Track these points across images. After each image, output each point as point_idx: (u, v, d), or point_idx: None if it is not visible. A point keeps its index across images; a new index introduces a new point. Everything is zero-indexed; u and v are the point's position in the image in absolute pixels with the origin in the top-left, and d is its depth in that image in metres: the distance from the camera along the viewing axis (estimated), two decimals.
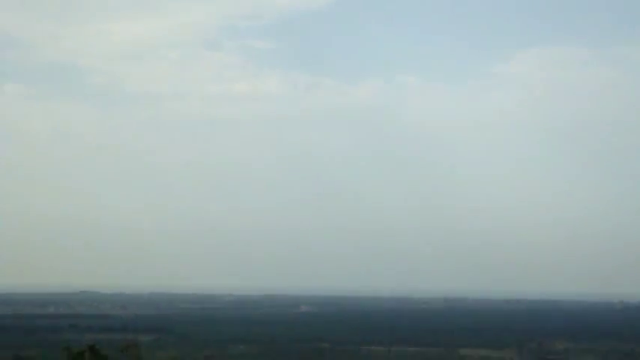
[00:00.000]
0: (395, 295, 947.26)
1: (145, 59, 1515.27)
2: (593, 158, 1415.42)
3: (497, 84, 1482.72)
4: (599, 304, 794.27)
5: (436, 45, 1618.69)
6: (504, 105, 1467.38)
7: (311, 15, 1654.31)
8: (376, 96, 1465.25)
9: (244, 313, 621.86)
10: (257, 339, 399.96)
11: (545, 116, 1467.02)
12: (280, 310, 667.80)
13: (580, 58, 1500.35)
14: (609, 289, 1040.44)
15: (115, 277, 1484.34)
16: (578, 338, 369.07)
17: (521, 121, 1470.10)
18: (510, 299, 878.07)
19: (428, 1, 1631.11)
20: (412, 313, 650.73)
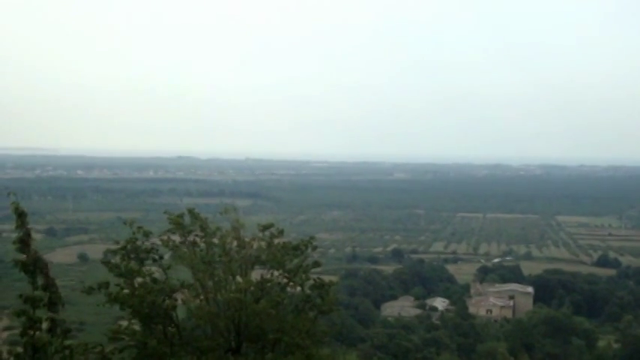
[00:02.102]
0: (491, 162, 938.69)
1: None
2: None
3: None
4: None
5: None
6: None
7: None
8: None
9: (339, 180, 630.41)
10: (351, 204, 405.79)
11: None
12: (375, 177, 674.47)
13: None
14: None
15: (211, 144, 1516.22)
16: None
17: None
18: (611, 166, 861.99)
19: None
20: (509, 180, 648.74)
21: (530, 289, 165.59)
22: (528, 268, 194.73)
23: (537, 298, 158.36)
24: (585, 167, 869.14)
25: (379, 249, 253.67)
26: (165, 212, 26.12)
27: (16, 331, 16.60)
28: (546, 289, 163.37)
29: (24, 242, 16.10)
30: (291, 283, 25.69)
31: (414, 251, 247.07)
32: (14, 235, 16.46)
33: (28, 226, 16.36)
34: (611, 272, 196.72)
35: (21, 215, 16.23)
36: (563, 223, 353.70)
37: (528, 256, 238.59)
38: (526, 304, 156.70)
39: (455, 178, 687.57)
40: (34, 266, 15.95)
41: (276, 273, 25.40)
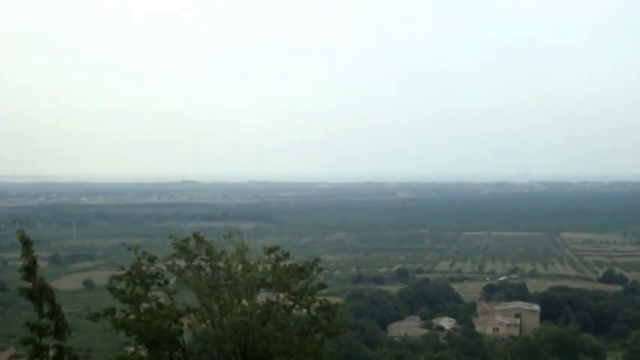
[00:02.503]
0: (495, 180, 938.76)
1: None
2: None
3: None
4: None
5: None
6: None
7: None
8: None
9: (342, 201, 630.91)
10: (355, 225, 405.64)
11: None
12: (378, 197, 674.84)
13: None
14: None
15: (214, 167, 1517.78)
16: None
17: None
18: (615, 182, 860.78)
19: None
20: (513, 198, 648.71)
21: (536, 307, 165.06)
22: (534, 286, 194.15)
23: (544, 316, 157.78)
24: (589, 183, 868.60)
25: (384, 269, 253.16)
26: (170, 237, 26.21)
27: None
28: (553, 306, 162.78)
29: (30, 270, 16.16)
30: (297, 306, 25.69)
31: (420, 271, 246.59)
32: (20, 264, 16.53)
33: (34, 254, 16.42)
34: (617, 288, 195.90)
35: (26, 243, 16.30)
36: (568, 239, 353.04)
37: (534, 274, 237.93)
38: (533, 322, 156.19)
39: (459, 196, 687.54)
40: (40, 294, 16.00)
41: (281, 295, 25.40)
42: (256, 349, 24.44)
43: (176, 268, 25.31)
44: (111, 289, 24.89)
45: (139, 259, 24.60)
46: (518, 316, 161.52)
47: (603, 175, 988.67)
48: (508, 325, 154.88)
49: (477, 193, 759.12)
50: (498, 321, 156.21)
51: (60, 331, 15.95)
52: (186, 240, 25.75)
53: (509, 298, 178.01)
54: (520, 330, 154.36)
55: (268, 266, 25.90)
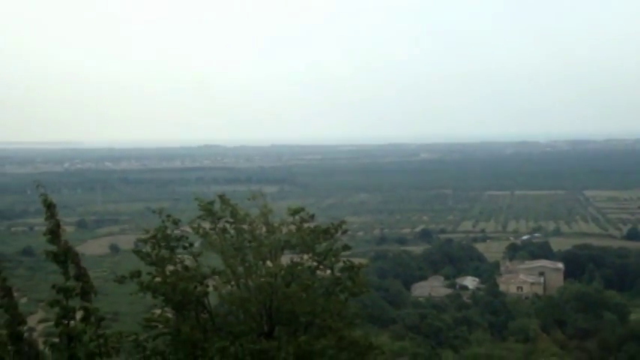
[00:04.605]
0: (518, 139, 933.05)
1: None
2: None
3: None
4: None
5: None
6: None
7: None
8: None
9: (365, 163, 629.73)
10: (378, 187, 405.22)
11: None
12: (400, 159, 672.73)
13: None
14: None
15: (236, 131, 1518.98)
16: None
17: None
18: (639, 139, 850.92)
19: None
20: (536, 157, 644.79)
21: (560, 265, 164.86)
22: (558, 244, 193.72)
23: (568, 274, 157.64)
24: (613, 141, 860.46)
25: (407, 230, 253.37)
26: (195, 199, 26.21)
27: (51, 323, 16.74)
28: (576, 264, 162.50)
29: (54, 233, 16.20)
30: (321, 267, 25.72)
31: (443, 231, 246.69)
32: (45, 228, 16.61)
33: (58, 218, 16.47)
34: None
35: (50, 206, 16.33)
36: (592, 197, 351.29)
37: (557, 232, 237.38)
38: (556, 280, 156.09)
39: (481, 156, 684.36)
40: (65, 256, 16.05)
41: (305, 257, 25.44)
42: (281, 310, 24.54)
43: (201, 230, 25.36)
44: (136, 252, 25.00)
45: (163, 222, 24.64)
46: (542, 274, 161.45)
47: (627, 132, 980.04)
48: (532, 284, 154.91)
49: (500, 152, 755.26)
50: (522, 279, 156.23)
51: (86, 293, 16.01)
52: (211, 202, 25.78)
53: (533, 256, 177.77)
54: (544, 288, 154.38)
55: (292, 228, 25.90)
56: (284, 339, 23.84)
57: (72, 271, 16.10)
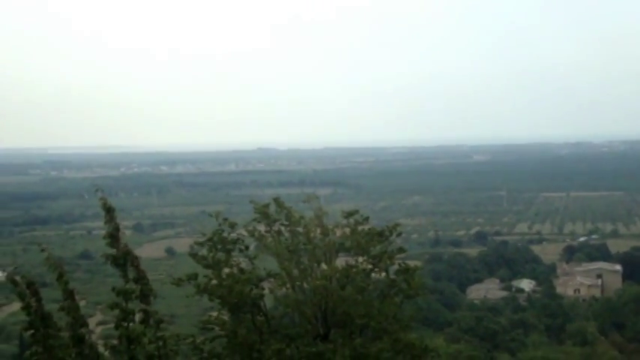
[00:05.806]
0: (572, 140, 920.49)
1: None
2: None
3: None
4: None
5: None
6: None
7: None
8: None
9: (417, 165, 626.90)
10: (431, 189, 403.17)
11: None
12: (454, 161, 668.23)
13: None
14: None
15: (290, 133, 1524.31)
16: None
17: None
18: None
19: None
20: (592, 158, 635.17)
21: (618, 267, 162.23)
22: (615, 246, 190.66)
23: (626, 276, 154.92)
24: None
25: (462, 232, 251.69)
26: (251, 202, 26.37)
27: (110, 326, 17.07)
28: (635, 266, 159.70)
29: (113, 237, 16.46)
30: (376, 269, 25.70)
31: (498, 233, 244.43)
32: (104, 232, 16.88)
33: (117, 221, 16.72)
34: None
35: (109, 210, 16.59)
36: None
37: (615, 234, 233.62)
38: (615, 283, 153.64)
39: (536, 157, 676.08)
40: (124, 260, 16.30)
41: (360, 259, 25.44)
42: (336, 312, 24.58)
43: (256, 233, 25.51)
44: (193, 255, 25.27)
45: (219, 225, 24.86)
46: (599, 276, 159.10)
47: None
48: (589, 286, 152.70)
49: (554, 153, 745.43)
50: (579, 282, 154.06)
51: (145, 295, 16.25)
52: (267, 205, 25.93)
53: (590, 258, 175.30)
54: (602, 291, 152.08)
55: (347, 230, 25.93)
56: (339, 342, 23.86)
57: (131, 274, 16.35)
